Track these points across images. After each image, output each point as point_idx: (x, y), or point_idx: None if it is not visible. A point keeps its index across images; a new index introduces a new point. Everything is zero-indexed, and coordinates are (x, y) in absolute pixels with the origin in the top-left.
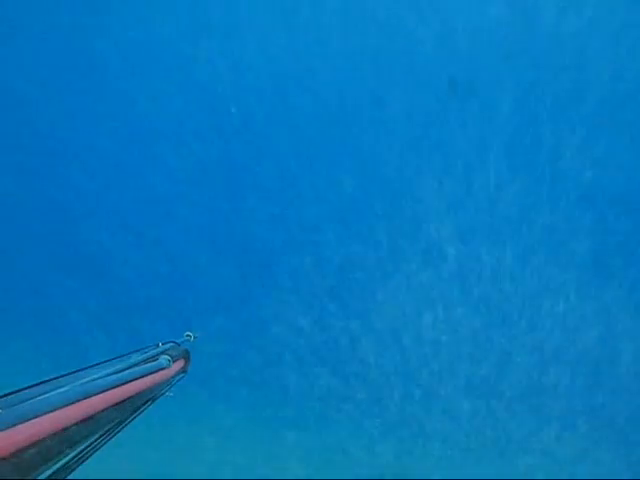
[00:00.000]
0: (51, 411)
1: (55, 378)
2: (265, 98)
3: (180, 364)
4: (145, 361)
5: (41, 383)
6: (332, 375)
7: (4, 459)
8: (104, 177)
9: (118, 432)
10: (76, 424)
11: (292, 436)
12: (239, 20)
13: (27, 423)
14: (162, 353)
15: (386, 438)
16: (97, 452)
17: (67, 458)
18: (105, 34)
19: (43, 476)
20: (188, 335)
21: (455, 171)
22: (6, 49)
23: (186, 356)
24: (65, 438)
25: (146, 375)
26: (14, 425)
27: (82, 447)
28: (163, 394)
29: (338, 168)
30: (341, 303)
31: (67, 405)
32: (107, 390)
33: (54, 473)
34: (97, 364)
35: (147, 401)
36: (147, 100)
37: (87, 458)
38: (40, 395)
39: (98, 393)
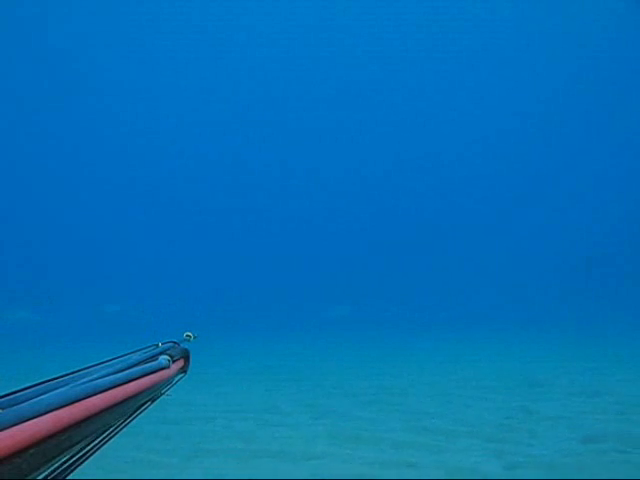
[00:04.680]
0: (51, 411)
1: (55, 378)
2: None
3: (180, 364)
4: (145, 361)
5: (41, 383)
6: None
7: (4, 459)
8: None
9: (118, 432)
10: (76, 424)
11: None
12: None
13: (27, 423)
14: (162, 353)
15: None
16: (97, 452)
17: (67, 458)
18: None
19: (43, 476)
20: (188, 335)
21: None
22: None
23: (186, 356)
24: (65, 438)
25: (146, 375)
26: (14, 425)
27: (82, 447)
28: (163, 394)
29: None
30: None
31: (67, 405)
32: (107, 390)
33: (54, 473)
34: (97, 364)
35: (147, 401)
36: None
37: (87, 458)
38: (40, 395)
39: (98, 393)
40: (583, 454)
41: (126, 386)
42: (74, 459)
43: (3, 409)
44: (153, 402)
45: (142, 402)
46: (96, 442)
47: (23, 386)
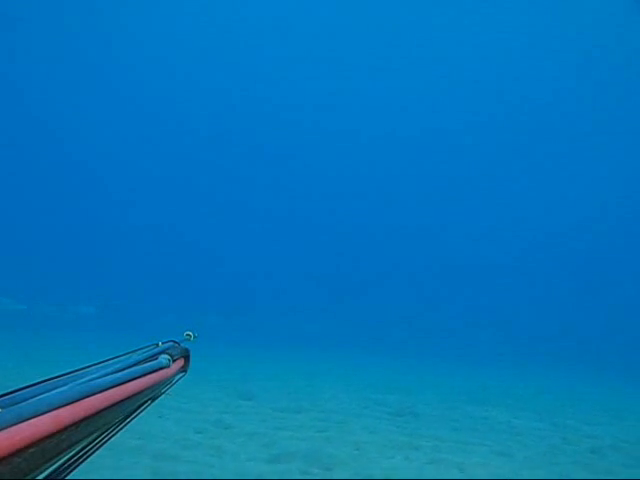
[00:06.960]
0: (51, 411)
1: (55, 377)
2: None
3: (180, 363)
4: (145, 360)
5: (41, 382)
6: None
7: (4, 459)
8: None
9: (118, 432)
10: (76, 424)
11: None
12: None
13: (27, 423)
14: (162, 352)
15: None
16: (97, 452)
17: (67, 458)
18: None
19: (43, 476)
20: (188, 334)
21: None
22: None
23: (186, 355)
24: (65, 438)
25: (146, 374)
26: (14, 425)
27: (82, 447)
28: (163, 394)
29: None
30: None
31: (67, 405)
32: (107, 389)
33: (54, 473)
34: (97, 363)
35: (147, 401)
36: None
37: (87, 458)
38: (40, 394)
39: (98, 393)
40: (263, 474)
41: (126, 385)
42: (74, 459)
43: (3, 408)
44: (153, 401)
45: (142, 401)
46: (96, 442)
47: (23, 385)
